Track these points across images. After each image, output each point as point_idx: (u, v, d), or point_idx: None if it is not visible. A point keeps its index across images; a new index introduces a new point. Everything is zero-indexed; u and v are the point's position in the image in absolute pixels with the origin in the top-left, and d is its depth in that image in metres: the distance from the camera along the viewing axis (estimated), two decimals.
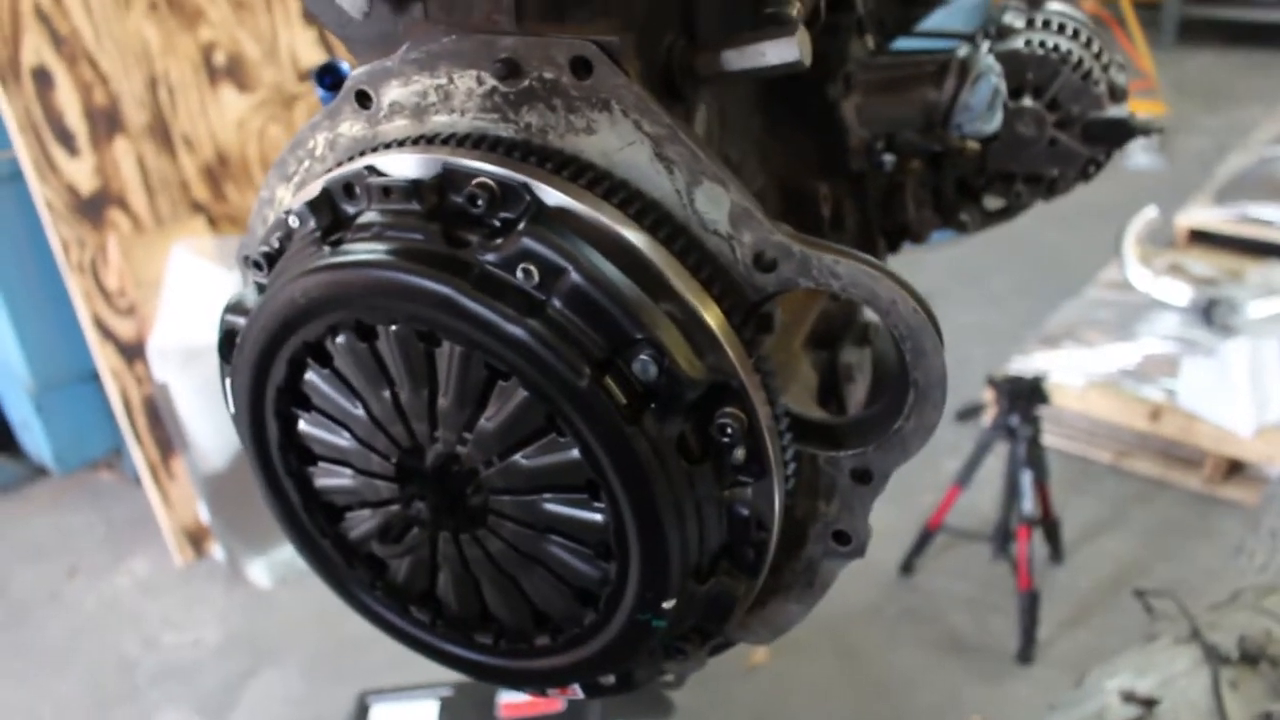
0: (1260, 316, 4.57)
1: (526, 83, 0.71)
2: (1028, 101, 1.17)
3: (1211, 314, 4.61)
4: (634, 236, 0.68)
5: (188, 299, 3.98)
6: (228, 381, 0.82)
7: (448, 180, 0.70)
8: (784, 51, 0.73)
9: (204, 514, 4.27)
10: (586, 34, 0.69)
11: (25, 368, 4.43)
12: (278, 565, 4.19)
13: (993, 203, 1.26)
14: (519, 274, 0.66)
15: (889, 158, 1.15)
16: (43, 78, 3.78)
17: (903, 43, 1.20)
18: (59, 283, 4.03)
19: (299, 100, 4.41)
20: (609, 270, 0.66)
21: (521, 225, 0.67)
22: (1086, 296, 5.11)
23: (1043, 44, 1.16)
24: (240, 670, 3.79)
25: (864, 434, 0.76)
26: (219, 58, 4.20)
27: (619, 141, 0.70)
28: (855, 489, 0.76)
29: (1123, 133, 1.17)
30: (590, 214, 0.68)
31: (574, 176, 0.69)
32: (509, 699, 2.90)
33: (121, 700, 3.72)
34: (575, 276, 0.66)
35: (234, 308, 0.82)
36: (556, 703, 2.87)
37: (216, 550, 4.33)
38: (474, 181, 0.68)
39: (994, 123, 1.11)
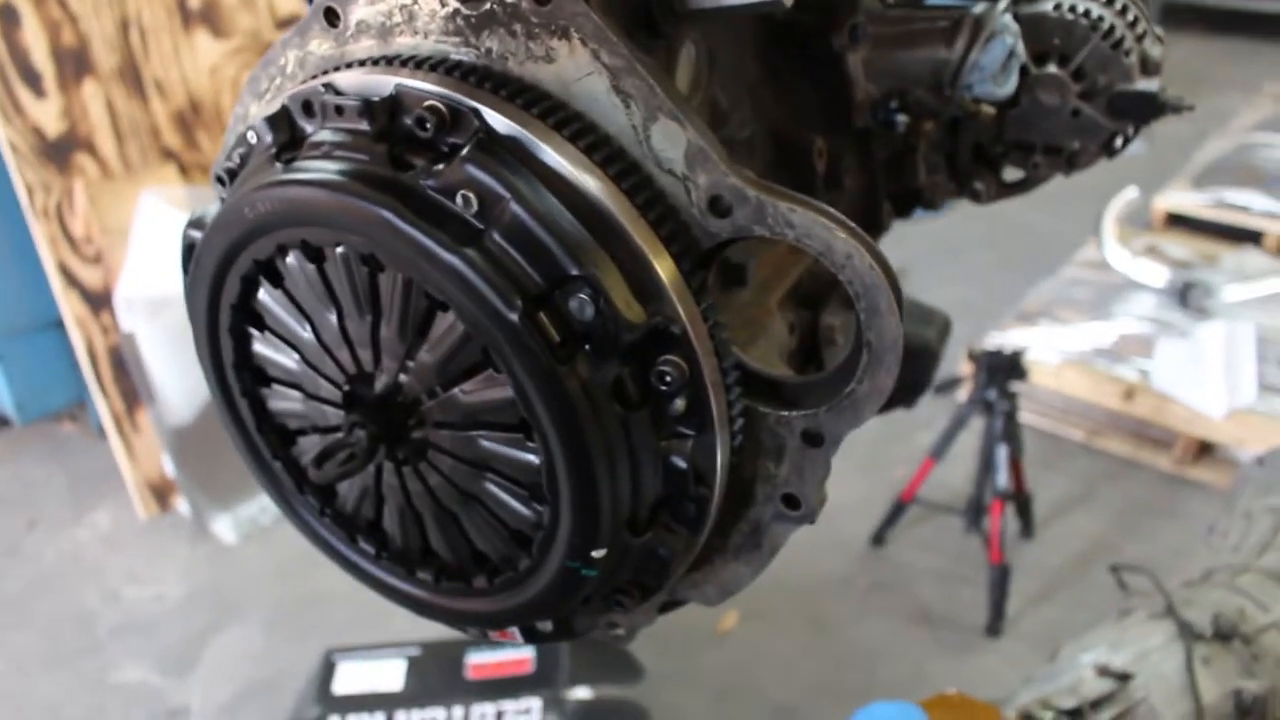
0: (1234, 300, 4.60)
1: (487, 6, 0.69)
2: (1052, 68, 1.10)
3: (1187, 296, 4.63)
4: (582, 170, 0.66)
5: (156, 248, 3.89)
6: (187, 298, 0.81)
7: (399, 102, 0.68)
8: None
9: (169, 468, 4.20)
10: None
11: None
12: (243, 521, 4.14)
13: (1010, 174, 1.21)
14: (459, 201, 0.65)
15: (901, 118, 1.10)
16: (8, 15, 3.66)
17: None
18: (22, 228, 3.92)
19: None
20: (550, 203, 0.65)
21: (465, 151, 0.65)
22: (1064, 275, 5.12)
23: (1073, 8, 1.09)
24: (203, 626, 3.74)
25: (816, 395, 0.73)
26: (194, 1, 4.09)
27: (577, 71, 0.68)
28: (806, 452, 0.74)
29: (1151, 108, 1.11)
30: (538, 144, 0.66)
31: (527, 105, 0.67)
32: (477, 659, 2.87)
33: (81, 654, 3.66)
34: (515, 207, 0.64)
35: (195, 223, 0.81)
36: (524, 663, 2.85)
37: (181, 504, 4.27)
38: (423, 104, 0.67)
39: (1007, 86, 1.07)
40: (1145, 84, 1.11)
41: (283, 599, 3.80)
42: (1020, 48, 1.06)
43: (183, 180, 4.13)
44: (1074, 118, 1.12)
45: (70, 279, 3.96)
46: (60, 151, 3.85)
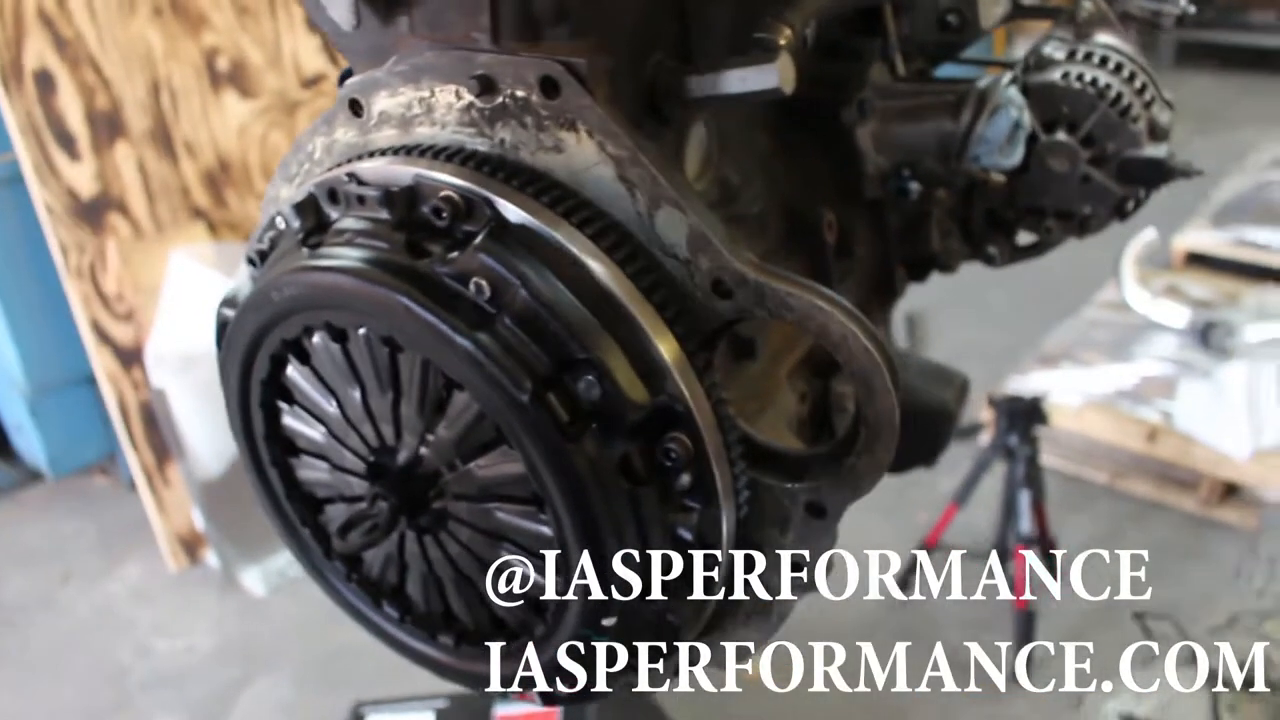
0: (1257, 340, 4.58)
1: (500, 100, 0.73)
2: (1061, 136, 1.13)
3: (1208, 337, 4.62)
4: (589, 257, 0.69)
5: (186, 305, 3.97)
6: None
7: (417, 191, 0.71)
8: (764, 78, 0.74)
9: (198, 521, 4.25)
10: (558, 54, 0.71)
11: (20, 370, 4.40)
12: (272, 573, 4.18)
13: (1024, 237, 1.23)
14: (472, 287, 0.68)
15: (915, 186, 1.14)
16: (45, 81, 3.77)
17: (947, 69, 1.18)
18: (56, 286, 4.01)
19: (301, 107, 4.40)
20: (558, 290, 0.68)
21: (478, 240, 0.68)
22: (1084, 317, 5.12)
23: (1080, 77, 1.12)
24: (233, 678, 3.77)
25: (818, 468, 0.76)
26: (222, 63, 4.19)
27: (585, 161, 0.71)
28: (809, 523, 0.76)
29: (1159, 173, 1.13)
30: (547, 232, 0.69)
31: (538, 194, 0.71)
32: (504, 711, 2.88)
33: (114, 707, 3.69)
34: (524, 294, 0.67)
35: (228, 301, 0.86)
36: (551, 716, 2.86)
37: (210, 557, 4.31)
38: (439, 195, 0.70)
39: (1014, 157, 1.09)
40: (1153, 150, 1.13)
41: (312, 651, 3.83)
42: (1026, 119, 1.09)
43: (211, 238, 4.21)
44: (1084, 183, 1.14)
45: (102, 336, 4.04)
46: (94, 212, 3.94)
